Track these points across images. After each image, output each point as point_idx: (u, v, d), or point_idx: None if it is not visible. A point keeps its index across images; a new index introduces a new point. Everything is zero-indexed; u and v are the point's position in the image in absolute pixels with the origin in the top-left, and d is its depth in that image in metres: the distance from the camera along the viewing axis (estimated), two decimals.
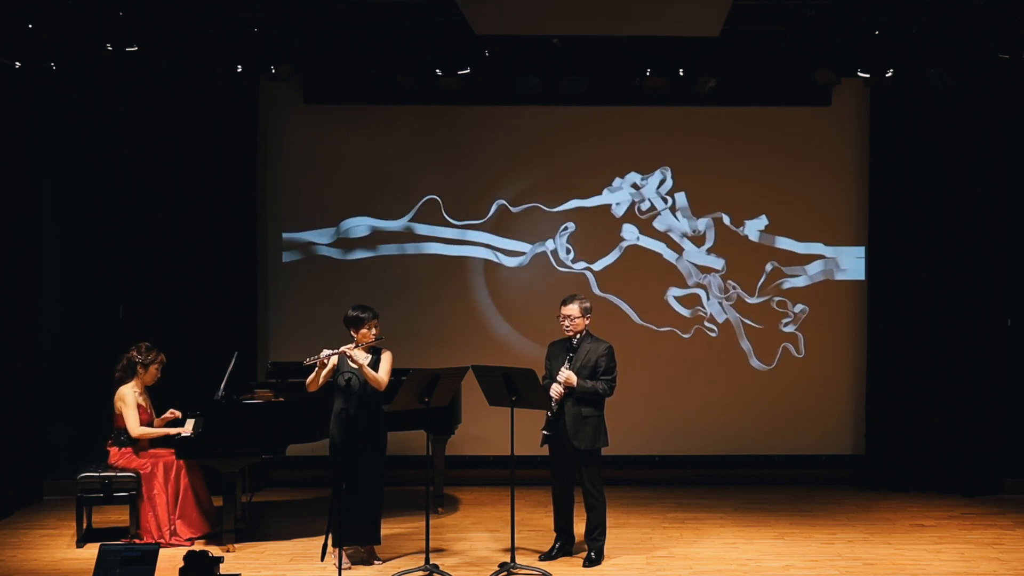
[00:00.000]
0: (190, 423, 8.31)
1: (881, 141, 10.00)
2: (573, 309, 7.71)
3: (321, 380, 7.50)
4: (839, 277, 10.37)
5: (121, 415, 8.22)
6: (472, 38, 8.92)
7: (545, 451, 7.78)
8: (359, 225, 10.32)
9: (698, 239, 10.35)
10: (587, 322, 7.75)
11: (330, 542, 7.51)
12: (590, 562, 7.74)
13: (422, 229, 10.34)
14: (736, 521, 8.95)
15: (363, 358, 7.38)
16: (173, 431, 8.22)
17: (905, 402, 9.95)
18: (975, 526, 8.84)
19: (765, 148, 10.32)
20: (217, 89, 9.67)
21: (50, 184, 9.94)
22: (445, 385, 7.44)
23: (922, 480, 9.95)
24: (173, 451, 8.12)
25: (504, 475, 7.96)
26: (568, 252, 10.35)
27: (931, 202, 9.90)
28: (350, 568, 7.61)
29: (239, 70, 9.08)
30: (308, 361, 7.39)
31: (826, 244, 10.36)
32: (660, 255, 10.36)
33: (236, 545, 8.06)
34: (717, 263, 10.34)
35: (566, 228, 10.34)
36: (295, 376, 8.48)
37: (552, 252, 10.35)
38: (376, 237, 10.32)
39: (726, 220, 10.34)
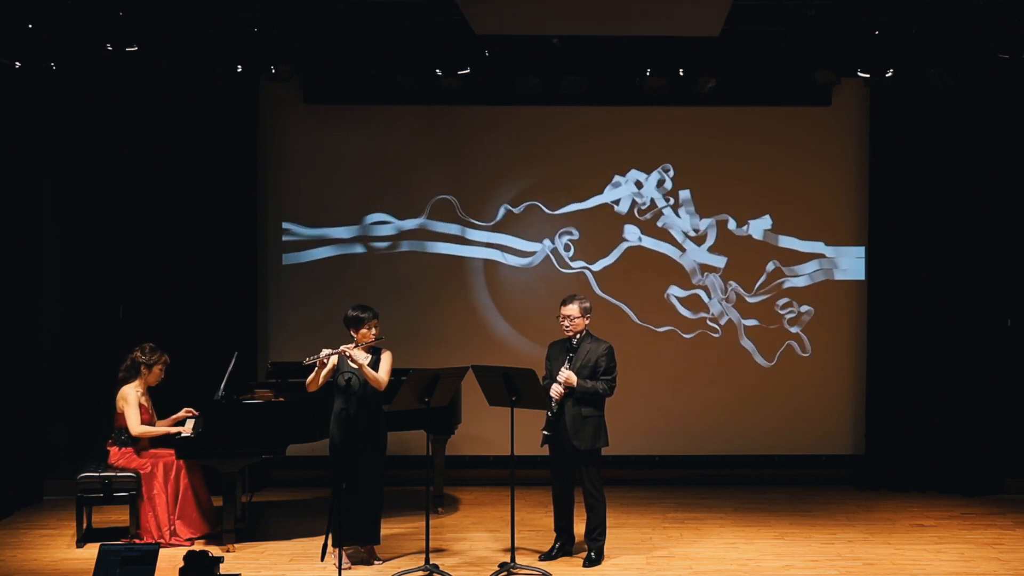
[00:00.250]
0: (190, 423, 8.32)
1: (881, 141, 10.00)
2: (573, 309, 7.71)
3: (321, 380, 7.50)
4: (839, 277, 10.37)
5: (123, 414, 8.22)
6: (472, 38, 8.92)
7: (545, 451, 7.79)
8: (359, 225, 10.32)
9: (698, 239, 10.35)
10: (587, 322, 7.75)
11: (330, 542, 7.51)
12: (590, 562, 7.74)
13: (422, 229, 10.34)
14: (736, 521, 8.95)
15: (363, 358, 7.38)
16: (173, 430, 8.22)
17: (905, 402, 9.95)
18: (975, 526, 8.84)
19: (765, 148, 10.32)
20: (217, 89, 9.67)
21: (50, 184, 9.94)
22: (445, 385, 7.44)
23: (922, 480, 9.95)
24: (173, 451, 8.12)
25: (504, 475, 7.96)
26: (568, 252, 10.35)
27: (931, 202, 9.90)
28: (350, 568, 7.61)
29: (239, 70, 9.09)
30: (308, 361, 7.39)
31: (826, 244, 10.36)
32: (660, 255, 10.36)
33: (236, 545, 8.06)
34: (717, 263, 10.34)
35: (566, 228, 10.34)
36: (295, 376, 8.48)
37: (552, 252, 10.35)
38: (376, 237, 10.33)
39: (726, 220, 10.34)
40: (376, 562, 7.73)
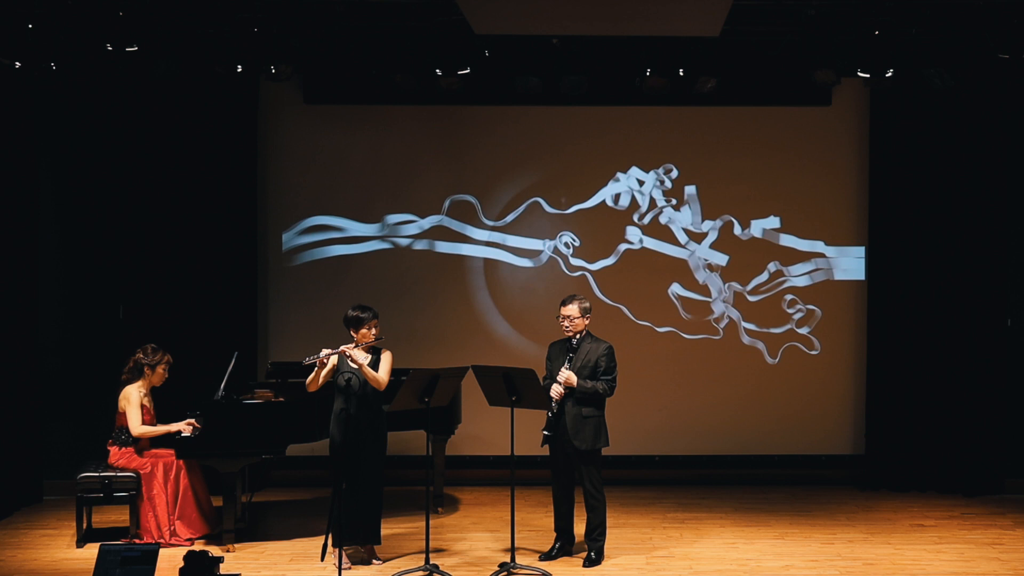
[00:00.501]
0: (192, 421, 8.31)
1: (881, 141, 9.99)
2: (572, 309, 7.71)
3: (321, 380, 7.50)
4: (839, 277, 10.37)
5: (124, 413, 8.23)
6: (472, 38, 8.93)
7: (545, 451, 7.78)
8: (359, 225, 10.32)
9: (698, 239, 10.35)
10: (587, 322, 7.75)
11: (330, 542, 7.50)
12: (590, 562, 7.74)
13: (422, 229, 10.34)
14: (736, 521, 8.95)
15: (363, 358, 7.39)
16: (174, 429, 8.22)
17: (905, 402, 9.94)
18: (975, 526, 8.84)
19: (765, 148, 10.32)
20: (217, 89, 9.67)
21: (50, 184, 9.94)
22: (445, 385, 7.44)
23: (922, 480, 9.95)
24: (173, 451, 8.12)
25: (504, 475, 7.97)
26: (568, 252, 10.35)
27: (931, 202, 9.90)
28: (350, 568, 7.61)
29: (239, 70, 9.09)
30: (308, 361, 7.40)
31: (826, 244, 10.36)
32: (660, 255, 10.36)
33: (236, 545, 8.06)
34: (717, 263, 10.34)
35: (566, 228, 10.34)
36: (295, 376, 8.49)
37: (552, 252, 10.35)
38: (376, 237, 10.32)
39: (726, 220, 10.34)
40: (376, 562, 7.73)
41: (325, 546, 7.37)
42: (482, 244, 10.35)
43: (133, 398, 8.21)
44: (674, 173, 10.35)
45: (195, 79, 9.55)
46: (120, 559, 6.46)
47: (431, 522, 7.87)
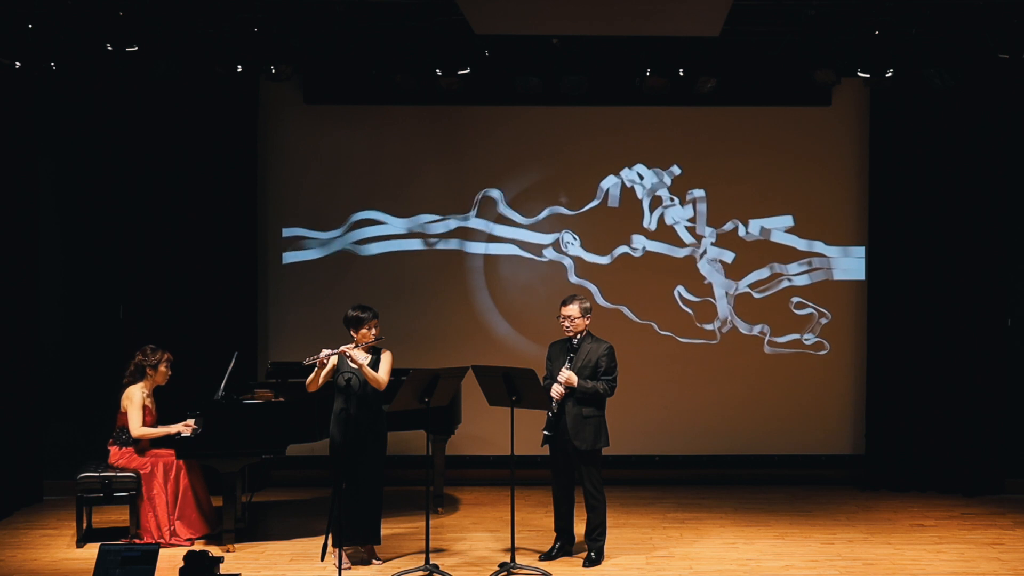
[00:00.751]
0: (191, 422, 8.31)
1: (881, 141, 9.99)
2: (573, 310, 7.71)
3: (321, 380, 7.50)
4: (839, 277, 10.37)
5: (126, 413, 8.23)
6: (472, 38, 8.92)
7: (545, 451, 7.78)
8: (359, 225, 10.31)
9: (698, 239, 10.35)
10: (587, 322, 7.75)
11: (330, 542, 7.50)
12: (590, 562, 7.74)
13: (422, 229, 10.34)
14: (736, 521, 8.95)
15: (363, 358, 7.39)
16: (173, 430, 8.21)
17: (905, 402, 9.94)
18: (975, 526, 8.84)
19: (765, 148, 10.31)
20: (217, 89, 9.67)
21: (50, 184, 9.95)
22: (445, 385, 7.44)
23: (922, 480, 9.95)
24: (173, 451, 8.12)
25: (504, 475, 7.96)
26: (568, 252, 10.35)
27: (931, 202, 9.89)
28: (350, 568, 7.61)
29: (239, 70, 9.09)
30: (308, 361, 7.40)
31: (826, 244, 10.36)
32: (660, 255, 10.36)
33: (236, 545, 8.06)
34: (717, 264, 10.34)
35: (566, 228, 10.34)
36: (295, 376, 8.49)
37: (553, 252, 10.35)
38: (376, 237, 10.32)
39: (726, 220, 10.34)
40: (376, 562, 7.73)
41: (325, 546, 7.37)
42: (482, 244, 10.35)
43: (136, 398, 8.21)
44: (674, 173, 10.35)
45: (195, 79, 9.54)
46: (120, 559, 6.46)
47: (431, 522, 7.87)
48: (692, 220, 10.35)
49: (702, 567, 7.75)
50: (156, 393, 8.41)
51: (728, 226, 10.35)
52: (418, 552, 7.87)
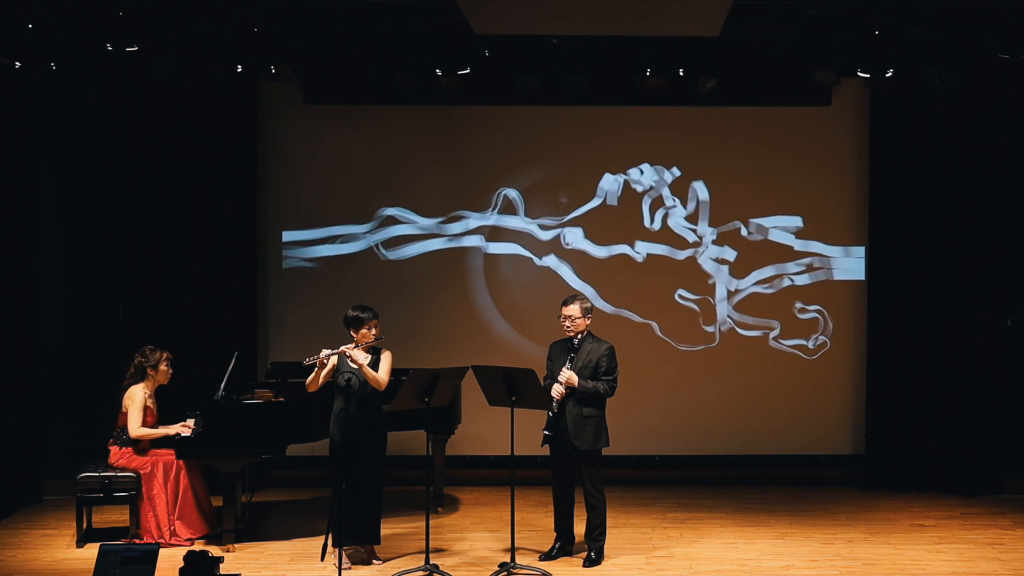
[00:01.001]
0: (190, 423, 8.31)
1: (881, 141, 9.99)
2: (574, 309, 7.71)
3: (321, 380, 7.50)
4: (839, 277, 10.37)
5: (127, 413, 8.23)
6: (472, 38, 8.92)
7: (545, 451, 7.78)
8: (359, 225, 10.32)
9: (698, 239, 10.35)
10: (588, 322, 7.75)
11: (330, 542, 7.51)
12: (590, 562, 7.74)
13: (423, 229, 10.34)
14: (736, 521, 8.95)
15: (363, 358, 7.39)
16: (172, 431, 8.21)
17: (905, 402, 9.94)
18: (975, 526, 8.84)
19: (765, 148, 10.32)
20: (217, 89, 9.67)
21: (50, 185, 9.95)
22: (445, 385, 7.44)
23: (922, 480, 9.95)
24: (173, 451, 8.12)
25: (504, 475, 7.96)
26: (568, 251, 10.35)
27: (931, 202, 9.89)
28: (350, 568, 7.61)
29: (239, 70, 9.09)
30: (308, 361, 7.40)
31: (826, 244, 10.36)
32: (660, 255, 10.35)
33: (236, 545, 8.06)
34: (716, 263, 10.34)
35: (566, 228, 10.34)
36: (295, 376, 8.49)
37: (552, 252, 10.35)
38: (376, 237, 10.32)
39: (726, 220, 10.34)
40: (376, 562, 7.73)
41: (325, 546, 7.37)
42: (483, 244, 10.35)
43: (137, 398, 8.21)
44: (674, 173, 10.35)
45: (195, 79, 9.54)
46: (120, 559, 6.46)
47: (431, 522, 7.87)
48: (692, 220, 10.35)
49: (702, 567, 7.75)
50: (157, 393, 8.41)
51: (728, 226, 10.35)
52: (418, 552, 7.87)
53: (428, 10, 8.85)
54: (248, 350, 9.67)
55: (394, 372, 7.60)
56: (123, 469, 8.20)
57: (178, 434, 8.09)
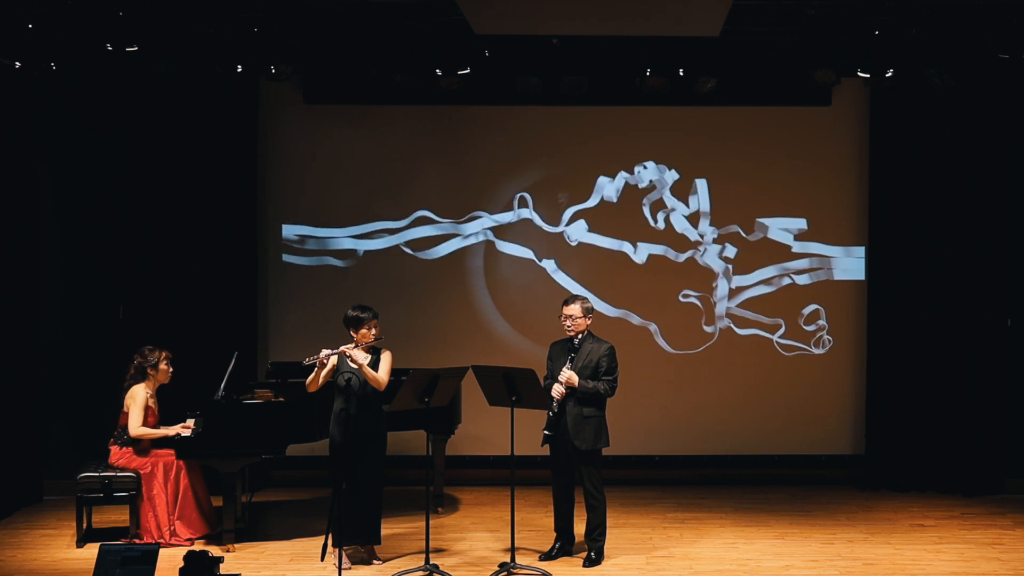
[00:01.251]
0: (190, 423, 8.31)
1: (881, 141, 9.99)
2: (575, 309, 7.71)
3: (321, 380, 7.50)
4: (839, 277, 10.37)
5: (128, 413, 8.23)
6: (472, 38, 8.92)
7: (545, 451, 7.78)
8: (359, 225, 10.31)
9: (698, 239, 10.35)
10: (588, 322, 7.75)
11: (330, 542, 7.51)
12: (590, 562, 7.74)
13: (422, 229, 10.34)
14: (736, 521, 8.95)
15: (363, 358, 7.39)
16: (171, 432, 8.21)
17: (905, 402, 9.94)
18: (975, 526, 8.84)
19: (765, 148, 10.32)
20: (217, 89, 9.67)
21: (50, 184, 9.95)
22: (445, 385, 7.44)
23: (922, 480, 9.95)
24: (173, 451, 8.12)
25: (504, 475, 7.96)
26: (568, 251, 10.35)
27: (931, 202, 9.90)
28: (350, 568, 7.61)
29: (239, 70, 9.09)
30: (308, 361, 7.40)
31: (826, 244, 10.36)
32: (660, 255, 10.35)
33: (236, 545, 8.06)
34: (716, 263, 10.34)
35: (566, 228, 10.34)
36: (295, 376, 8.49)
37: (553, 251, 10.35)
38: (376, 237, 10.32)
39: (725, 220, 10.34)
40: (376, 562, 7.73)
41: (325, 546, 7.37)
42: (483, 244, 10.35)
43: (139, 398, 8.21)
44: (674, 173, 10.35)
45: (195, 79, 9.54)
46: (120, 559, 6.46)
47: (431, 522, 7.87)
48: (692, 220, 10.35)
49: (702, 567, 7.75)
50: (158, 393, 8.41)
51: (728, 227, 10.35)
52: (418, 552, 7.87)
53: (428, 10, 8.84)
54: (248, 350, 9.67)
55: (394, 372, 7.60)
56: (123, 469, 8.20)
57: (178, 434, 8.10)
